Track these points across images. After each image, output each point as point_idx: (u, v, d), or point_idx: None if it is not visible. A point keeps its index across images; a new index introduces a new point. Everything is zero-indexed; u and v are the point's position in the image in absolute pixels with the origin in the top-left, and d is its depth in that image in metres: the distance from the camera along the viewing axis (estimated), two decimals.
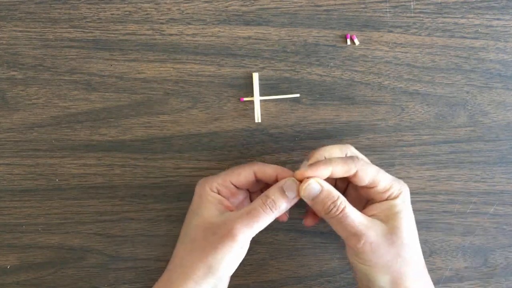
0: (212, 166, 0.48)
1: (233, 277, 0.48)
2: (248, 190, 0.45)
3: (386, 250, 0.38)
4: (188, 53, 0.48)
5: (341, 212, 0.38)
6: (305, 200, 0.39)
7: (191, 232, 0.40)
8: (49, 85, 0.48)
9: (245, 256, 0.47)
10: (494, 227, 0.48)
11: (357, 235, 0.38)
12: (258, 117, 0.47)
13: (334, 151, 0.41)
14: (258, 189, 0.45)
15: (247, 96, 0.48)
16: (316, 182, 0.39)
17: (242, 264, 0.48)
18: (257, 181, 0.42)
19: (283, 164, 0.48)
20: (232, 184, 0.41)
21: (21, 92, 0.48)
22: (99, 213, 0.48)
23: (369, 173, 0.39)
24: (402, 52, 0.48)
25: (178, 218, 0.47)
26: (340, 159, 0.39)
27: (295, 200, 0.40)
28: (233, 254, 0.38)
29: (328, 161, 0.39)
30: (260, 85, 0.48)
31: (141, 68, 0.48)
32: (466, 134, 0.48)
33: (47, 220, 0.48)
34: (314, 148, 0.44)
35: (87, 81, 0.48)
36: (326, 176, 0.39)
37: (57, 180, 0.48)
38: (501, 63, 0.49)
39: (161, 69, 0.48)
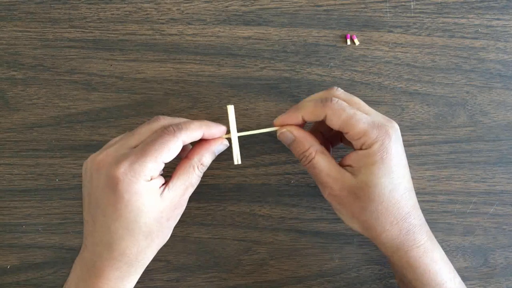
0: (212, 166, 0.48)
1: (233, 277, 0.48)
2: None
3: (351, 203, 0.38)
4: (188, 53, 0.48)
5: (309, 162, 0.39)
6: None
7: (142, 229, 0.36)
8: (49, 85, 0.48)
9: (245, 256, 0.48)
10: (494, 227, 0.48)
11: (322, 186, 0.39)
12: (237, 158, 0.41)
13: (317, 97, 0.40)
14: None
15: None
16: (288, 131, 0.40)
17: (242, 264, 0.48)
18: None
19: (283, 164, 0.48)
20: (166, 161, 0.37)
21: (21, 92, 0.48)
22: None
23: (340, 116, 0.37)
24: (402, 52, 0.48)
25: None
26: (310, 103, 0.39)
27: None
28: None
29: (297, 106, 0.40)
30: (261, 86, 0.48)
31: (141, 68, 0.48)
32: (466, 134, 0.48)
33: (47, 220, 0.48)
34: None
35: (87, 81, 0.48)
36: (296, 122, 0.40)
37: (57, 180, 0.48)
38: (501, 63, 0.49)
39: (161, 69, 0.48)
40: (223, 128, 0.40)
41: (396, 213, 0.38)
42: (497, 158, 0.48)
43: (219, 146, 0.40)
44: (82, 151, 0.48)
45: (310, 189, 0.48)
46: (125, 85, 0.48)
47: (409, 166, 0.48)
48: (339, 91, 0.40)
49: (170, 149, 0.36)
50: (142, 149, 0.36)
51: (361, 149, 0.38)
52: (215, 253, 0.48)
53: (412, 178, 0.48)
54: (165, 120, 0.39)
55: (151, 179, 0.36)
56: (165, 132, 0.36)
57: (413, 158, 0.48)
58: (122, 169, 0.35)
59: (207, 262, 0.48)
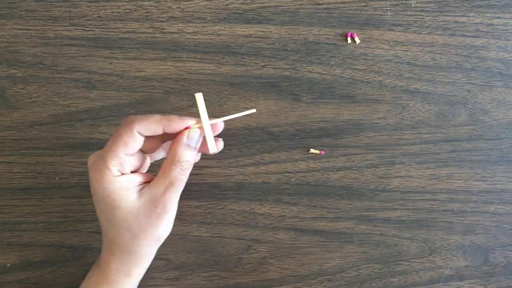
0: (212, 165, 0.48)
1: (233, 275, 0.48)
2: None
3: None
4: (189, 51, 0.48)
5: None
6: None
7: (121, 224, 0.38)
8: (49, 83, 0.48)
9: (245, 255, 0.48)
10: (494, 226, 0.48)
11: None
12: (212, 147, 0.39)
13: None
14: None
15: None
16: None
17: (242, 263, 0.48)
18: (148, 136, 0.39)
19: (283, 163, 0.48)
20: (128, 154, 0.37)
21: (21, 90, 0.48)
22: None
23: None
24: (402, 50, 0.48)
25: (177, 217, 0.47)
26: None
27: (200, 143, 0.39)
28: (171, 221, 0.40)
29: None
30: (261, 84, 0.48)
31: (141, 66, 0.48)
32: (466, 132, 0.48)
33: (47, 219, 0.48)
34: (313, 146, 0.46)
35: (87, 79, 0.48)
36: None
37: (57, 178, 0.48)
38: (502, 62, 0.48)
39: (161, 67, 0.48)
40: (186, 122, 0.38)
41: None
42: (498, 156, 0.48)
43: (191, 135, 0.38)
44: (82, 149, 0.48)
45: (310, 187, 0.48)
46: (125, 83, 0.48)
47: (410, 165, 0.48)
48: None
49: (125, 141, 0.36)
50: (105, 146, 0.37)
51: None
52: (215, 252, 0.48)
53: (412, 176, 0.48)
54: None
55: (121, 174, 0.37)
56: (120, 124, 0.37)
57: (413, 157, 0.48)
58: (92, 167, 0.37)
59: (207, 260, 0.48)
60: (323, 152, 0.48)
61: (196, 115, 0.39)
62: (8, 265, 0.48)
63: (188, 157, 0.38)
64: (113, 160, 0.36)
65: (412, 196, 0.48)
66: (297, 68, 0.48)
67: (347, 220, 0.48)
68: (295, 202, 0.48)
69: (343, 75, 0.48)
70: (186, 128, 0.38)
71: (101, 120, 0.48)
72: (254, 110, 0.40)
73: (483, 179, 0.48)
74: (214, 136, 0.39)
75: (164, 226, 0.39)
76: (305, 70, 0.48)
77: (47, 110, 0.48)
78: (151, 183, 0.38)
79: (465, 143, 0.48)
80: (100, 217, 0.39)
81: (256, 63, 0.48)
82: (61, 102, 0.48)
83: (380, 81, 0.48)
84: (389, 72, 0.48)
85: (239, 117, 0.40)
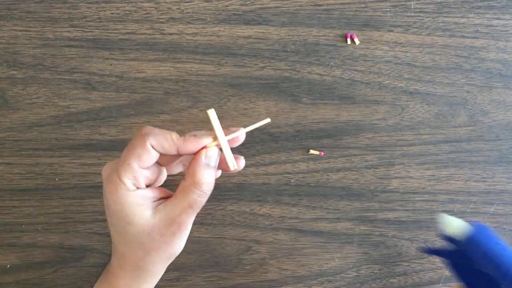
0: None
1: (233, 276, 0.48)
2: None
3: None
4: (188, 52, 0.48)
5: None
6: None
7: (133, 240, 0.36)
8: (49, 84, 0.48)
9: (245, 256, 0.48)
10: (494, 226, 0.48)
11: None
12: (233, 163, 0.37)
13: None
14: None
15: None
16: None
17: (242, 264, 0.48)
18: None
19: (283, 163, 0.48)
20: (142, 167, 0.35)
21: (21, 91, 0.48)
22: (99, 213, 0.48)
23: None
24: (402, 51, 0.48)
25: None
26: None
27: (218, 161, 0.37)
28: (185, 239, 0.38)
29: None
30: (261, 85, 0.48)
31: (141, 68, 0.48)
32: (466, 133, 0.48)
33: (47, 220, 0.48)
34: (313, 147, 0.45)
35: (87, 81, 0.48)
36: None
37: (57, 179, 0.48)
38: (501, 63, 0.49)
39: (161, 68, 0.48)
40: (202, 141, 0.36)
41: None
42: (497, 157, 0.48)
43: (209, 153, 0.36)
44: (82, 150, 0.48)
45: (310, 188, 0.48)
46: (125, 85, 0.48)
47: (409, 166, 0.48)
48: None
49: (139, 154, 0.34)
50: (120, 157, 0.35)
51: None
52: (215, 253, 0.48)
53: (412, 177, 0.48)
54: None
55: (136, 188, 0.35)
56: (134, 135, 0.36)
57: (413, 158, 0.48)
58: (107, 179, 0.35)
59: (207, 261, 0.48)
60: (322, 153, 0.48)
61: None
62: (8, 266, 0.48)
63: (208, 178, 0.36)
64: (127, 173, 0.35)
65: (411, 197, 0.48)
66: (296, 69, 0.48)
67: (346, 221, 0.48)
68: (295, 203, 0.48)
69: (343, 76, 0.48)
70: (203, 148, 0.36)
71: (101, 121, 0.48)
72: (268, 120, 0.38)
73: (483, 180, 0.48)
74: (234, 154, 0.38)
75: (177, 245, 0.37)
76: (305, 71, 0.48)
77: (47, 111, 0.48)
78: (168, 201, 0.36)
79: (465, 144, 0.48)
80: (111, 229, 0.37)
81: (255, 64, 0.48)
82: (61, 103, 0.48)
83: (379, 82, 0.48)
84: (389, 73, 0.48)
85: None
